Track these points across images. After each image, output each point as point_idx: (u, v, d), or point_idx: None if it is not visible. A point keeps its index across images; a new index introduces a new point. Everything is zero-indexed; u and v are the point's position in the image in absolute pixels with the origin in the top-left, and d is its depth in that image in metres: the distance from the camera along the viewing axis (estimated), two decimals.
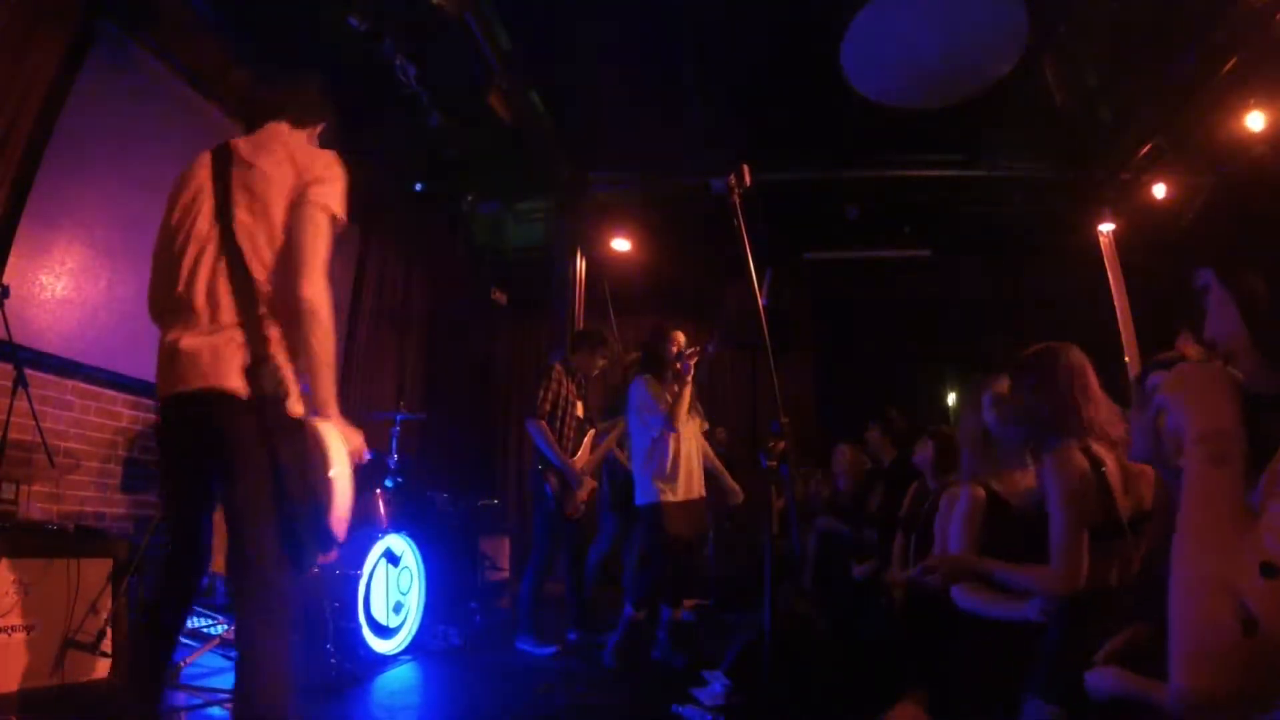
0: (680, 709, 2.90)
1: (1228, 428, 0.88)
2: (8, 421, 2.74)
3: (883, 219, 6.36)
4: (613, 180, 6.18)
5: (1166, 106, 4.86)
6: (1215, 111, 4.70)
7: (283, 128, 1.80)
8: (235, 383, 1.52)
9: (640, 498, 3.51)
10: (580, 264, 6.49)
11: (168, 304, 1.66)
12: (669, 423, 3.31)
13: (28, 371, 2.83)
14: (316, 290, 1.57)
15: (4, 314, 2.70)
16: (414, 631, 3.73)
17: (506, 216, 6.46)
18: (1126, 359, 5.49)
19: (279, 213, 1.62)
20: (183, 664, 2.81)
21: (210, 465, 1.56)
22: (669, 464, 3.39)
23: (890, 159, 5.81)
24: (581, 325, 6.17)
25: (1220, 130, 4.77)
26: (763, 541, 2.27)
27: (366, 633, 3.37)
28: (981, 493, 2.15)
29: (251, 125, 1.84)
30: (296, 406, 1.57)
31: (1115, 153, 5.47)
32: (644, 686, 3.30)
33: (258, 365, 1.54)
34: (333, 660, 3.10)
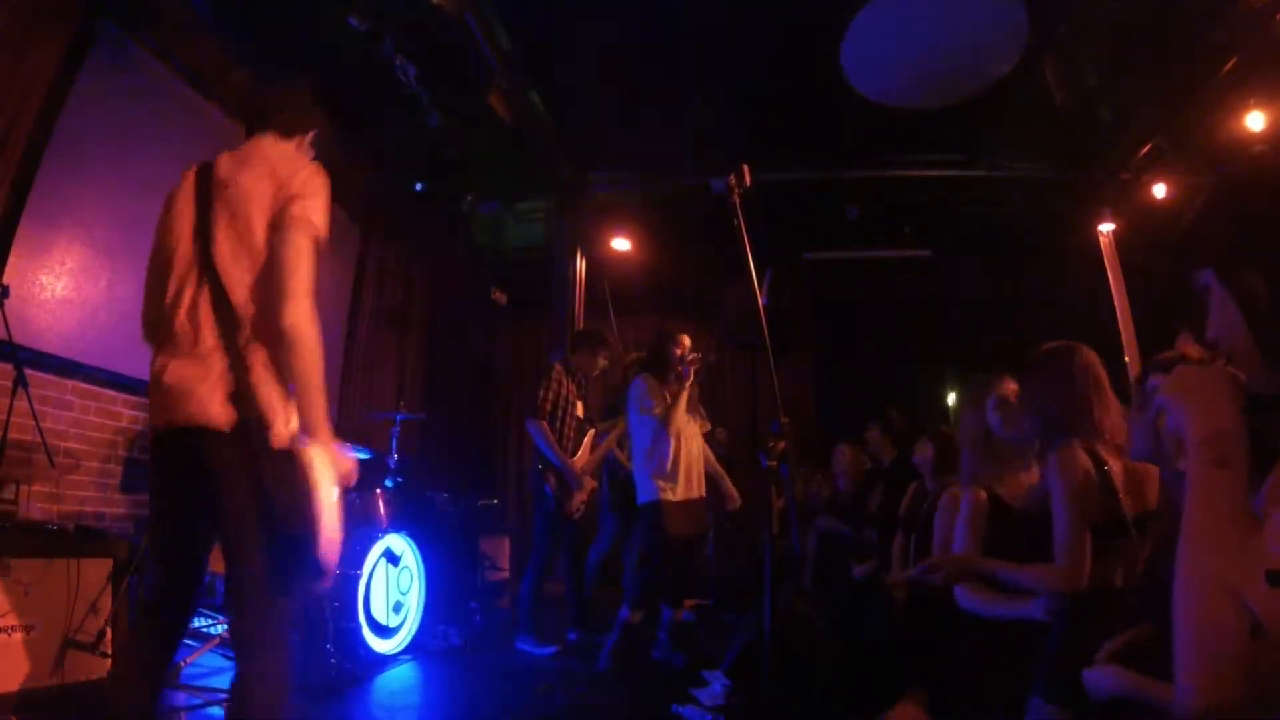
0: (680, 709, 2.90)
1: (1229, 430, 0.88)
2: (8, 421, 2.74)
3: (883, 219, 6.36)
4: (613, 180, 6.18)
5: (1166, 106, 4.86)
6: (1215, 111, 4.70)
7: (268, 140, 1.76)
8: (217, 414, 1.51)
9: (641, 496, 3.51)
10: (580, 264, 6.49)
11: (155, 327, 1.65)
12: (664, 423, 3.31)
13: (28, 371, 2.83)
14: (299, 315, 1.53)
15: (4, 314, 2.70)
16: (414, 631, 3.74)
17: (506, 216, 6.47)
18: (1126, 359, 5.49)
19: (259, 232, 1.58)
20: (183, 664, 2.81)
21: (200, 495, 1.55)
22: (669, 463, 3.40)
23: (890, 159, 5.81)
24: (581, 325, 6.17)
25: (1220, 130, 4.77)
26: (763, 541, 2.26)
27: (366, 632, 3.37)
28: (983, 495, 2.15)
29: (249, 132, 1.82)
30: (283, 432, 1.54)
31: (1115, 153, 5.47)
32: (644, 686, 3.30)
33: (239, 394, 1.52)
34: (333, 660, 3.11)
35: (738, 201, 2.09)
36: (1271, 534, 0.79)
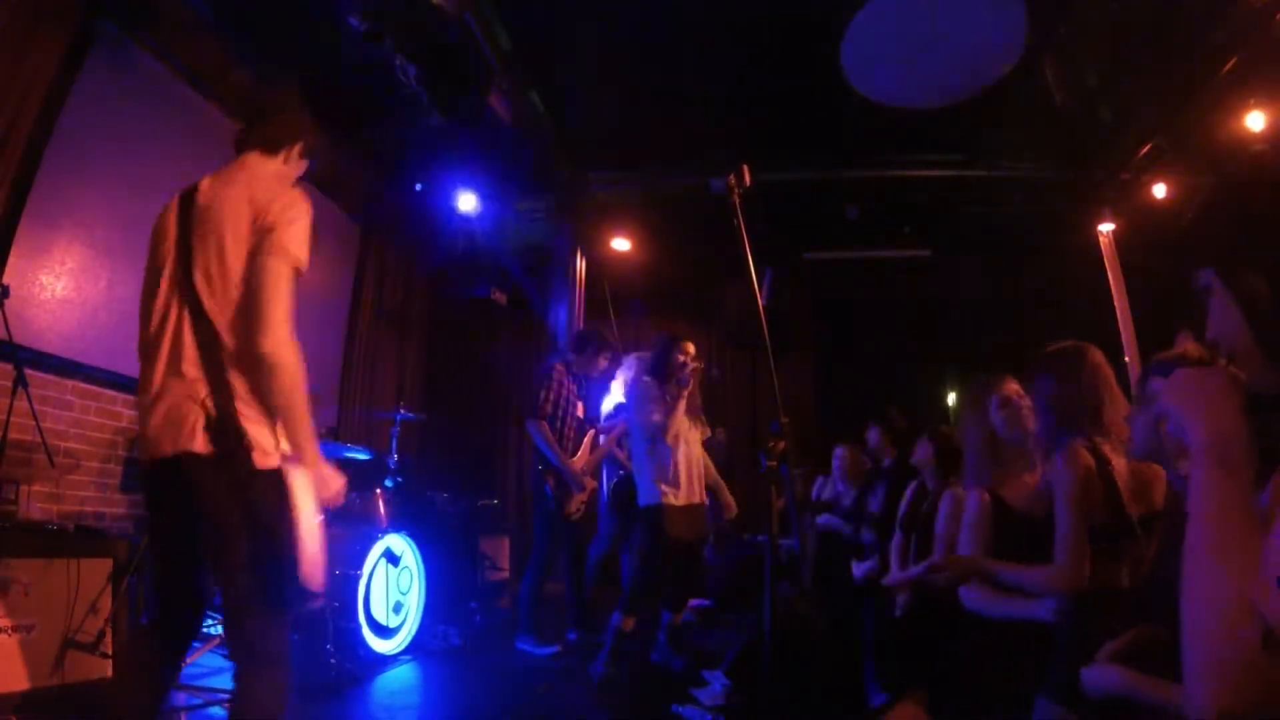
0: (680, 709, 2.90)
1: (1233, 433, 0.87)
2: (8, 421, 2.74)
3: (883, 219, 6.35)
4: (613, 180, 6.18)
5: (1166, 106, 4.86)
6: (1215, 111, 4.69)
7: (252, 159, 1.74)
8: (200, 442, 1.52)
9: (642, 499, 3.50)
10: (580, 264, 6.49)
11: (143, 349, 1.65)
12: (662, 428, 3.30)
13: (28, 371, 2.83)
14: (276, 343, 1.52)
15: (4, 314, 2.70)
16: (414, 631, 3.73)
17: (506, 216, 6.46)
18: (1126, 359, 5.49)
19: (235, 258, 1.57)
20: (183, 664, 2.81)
21: (192, 516, 1.56)
22: (670, 467, 3.39)
23: (890, 159, 5.81)
24: (581, 325, 6.17)
25: (1220, 130, 4.77)
26: (763, 541, 2.26)
27: (366, 632, 3.37)
28: (988, 497, 2.15)
29: (238, 149, 1.78)
30: (266, 457, 1.55)
31: (1115, 153, 5.46)
32: (644, 687, 3.30)
33: (222, 420, 1.52)
34: (333, 660, 3.11)
35: (737, 201, 2.08)
36: (1278, 542, 0.78)
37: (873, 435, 4.24)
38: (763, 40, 4.52)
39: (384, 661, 3.47)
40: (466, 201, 5.61)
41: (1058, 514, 1.74)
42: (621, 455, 4.35)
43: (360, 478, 4.10)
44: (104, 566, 2.55)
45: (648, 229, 6.51)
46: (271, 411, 1.57)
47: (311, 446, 1.59)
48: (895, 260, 6.85)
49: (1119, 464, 1.77)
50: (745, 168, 2.10)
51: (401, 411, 4.30)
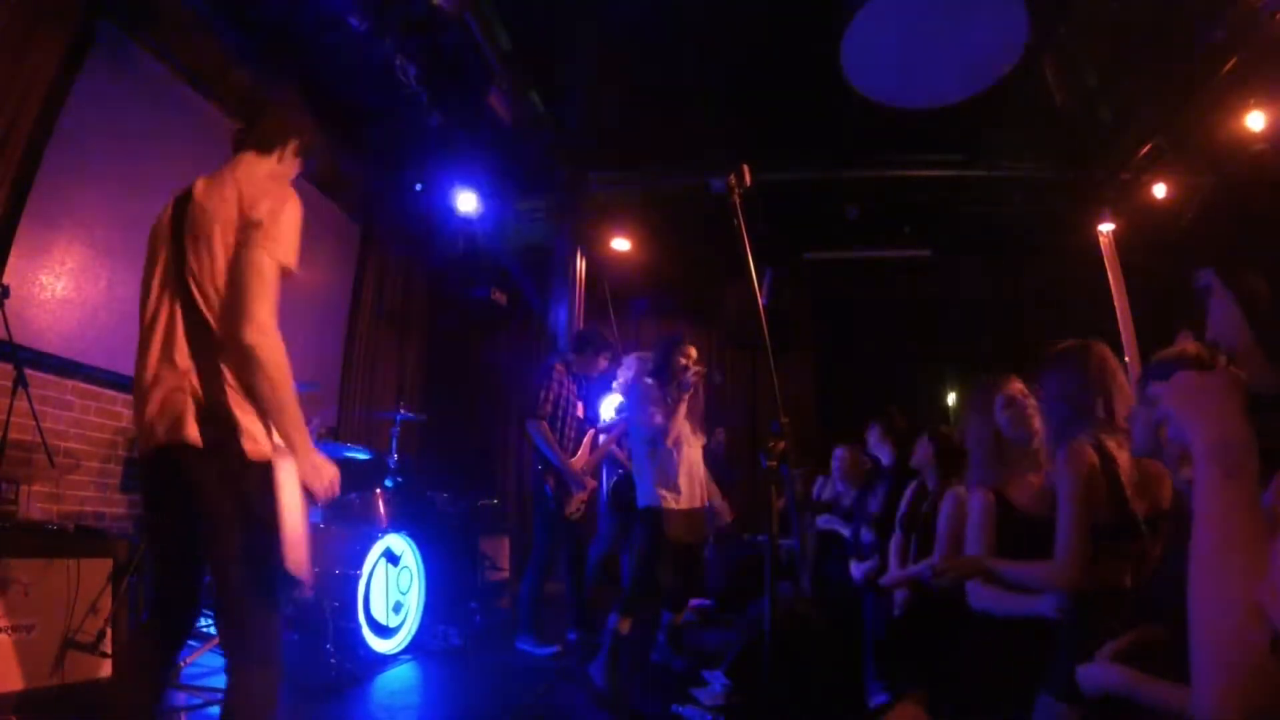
0: (680, 709, 2.90)
1: (1236, 437, 0.87)
2: (8, 421, 2.74)
3: (883, 219, 6.36)
4: (613, 180, 6.18)
5: (1166, 106, 4.86)
6: (1215, 111, 4.69)
7: (246, 159, 1.75)
8: (191, 431, 1.54)
9: (641, 500, 3.50)
10: (580, 264, 6.49)
11: (141, 343, 1.68)
12: (663, 431, 3.30)
13: (28, 371, 2.83)
14: (259, 335, 1.54)
15: (4, 314, 2.70)
16: (414, 631, 3.73)
17: (506, 216, 6.46)
18: (1126, 359, 5.49)
19: (221, 252, 1.60)
20: (183, 664, 2.81)
21: (187, 507, 1.57)
22: (670, 471, 3.38)
23: (890, 159, 5.81)
24: (581, 325, 6.17)
25: (1220, 130, 4.77)
26: (763, 541, 2.26)
27: (366, 632, 3.36)
28: (992, 497, 2.14)
29: (234, 149, 1.80)
30: (255, 446, 1.57)
31: (1115, 153, 5.46)
32: (644, 686, 3.30)
33: (211, 411, 1.55)
34: (332, 660, 3.11)
35: (738, 201, 2.08)
36: None
37: (872, 435, 4.24)
38: (763, 40, 4.52)
39: (384, 661, 3.47)
40: (466, 201, 5.61)
41: (1059, 511, 1.74)
42: (621, 455, 4.35)
43: (360, 478, 4.11)
44: (104, 566, 2.55)
45: (648, 229, 6.51)
46: (257, 400, 1.58)
47: (300, 436, 1.61)
48: (895, 260, 6.85)
49: (1124, 461, 1.76)
50: (745, 167, 2.10)
51: (401, 411, 4.30)
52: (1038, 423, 2.16)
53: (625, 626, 3.13)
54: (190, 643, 2.96)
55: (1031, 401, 2.21)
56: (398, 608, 3.66)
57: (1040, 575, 1.79)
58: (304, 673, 3.05)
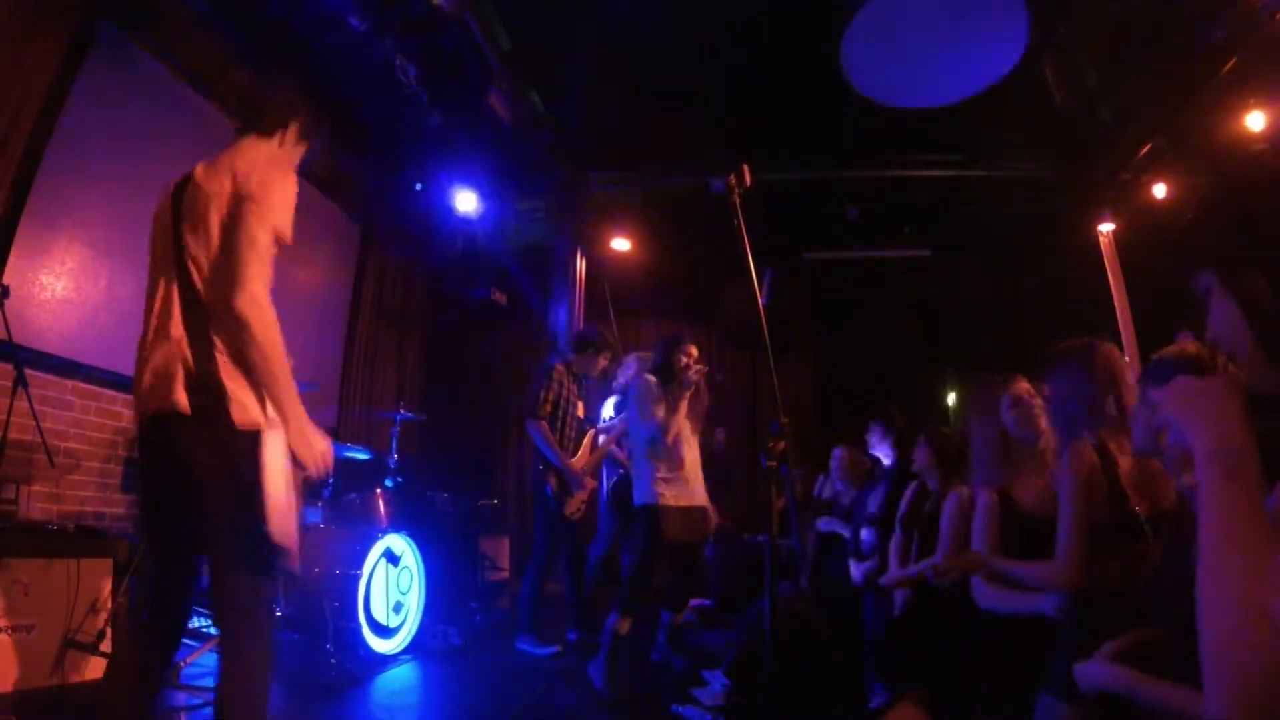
0: (680, 709, 2.90)
1: (1237, 441, 0.86)
2: (8, 421, 2.74)
3: (883, 219, 6.36)
4: (613, 180, 6.18)
5: (1166, 106, 4.86)
6: (1215, 111, 4.69)
7: (247, 141, 1.78)
8: (180, 398, 1.56)
9: (638, 498, 3.50)
10: (580, 264, 6.49)
11: (144, 321, 1.71)
12: (663, 429, 3.30)
13: (28, 371, 2.83)
14: (248, 302, 1.55)
15: (4, 314, 2.70)
16: (414, 631, 3.73)
17: (506, 216, 6.47)
18: (1126, 359, 5.48)
19: (214, 226, 1.63)
20: (183, 664, 2.81)
21: (178, 480, 1.58)
22: (670, 467, 3.38)
23: (890, 159, 5.81)
24: (581, 325, 6.17)
25: (1220, 130, 4.77)
26: (763, 541, 2.26)
27: (366, 632, 3.36)
28: (996, 497, 2.14)
29: (238, 136, 1.83)
30: (244, 415, 1.58)
31: (1115, 153, 5.47)
32: (644, 686, 3.30)
33: (201, 380, 1.57)
34: (332, 660, 3.11)
35: (738, 201, 2.08)
36: None
37: (872, 435, 4.24)
38: (763, 40, 4.52)
39: (384, 661, 3.47)
40: (466, 201, 5.61)
41: (1059, 510, 1.74)
42: (621, 455, 4.35)
43: (360, 478, 4.11)
44: (104, 566, 2.55)
45: (648, 229, 6.51)
46: (249, 369, 1.60)
47: (293, 404, 1.62)
48: (895, 260, 6.85)
49: (1125, 462, 1.76)
50: (745, 167, 2.10)
51: (401, 411, 4.30)
52: (1044, 423, 2.15)
53: (624, 626, 3.13)
54: (190, 643, 2.96)
55: (1038, 401, 2.20)
56: (398, 608, 3.66)
57: (1040, 575, 1.79)
58: (304, 673, 3.05)
